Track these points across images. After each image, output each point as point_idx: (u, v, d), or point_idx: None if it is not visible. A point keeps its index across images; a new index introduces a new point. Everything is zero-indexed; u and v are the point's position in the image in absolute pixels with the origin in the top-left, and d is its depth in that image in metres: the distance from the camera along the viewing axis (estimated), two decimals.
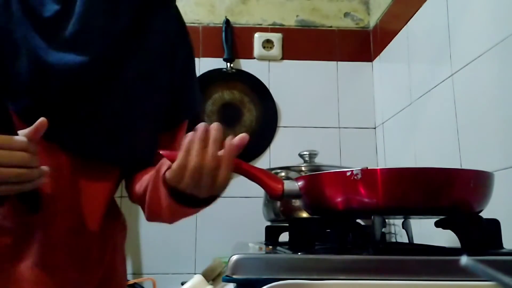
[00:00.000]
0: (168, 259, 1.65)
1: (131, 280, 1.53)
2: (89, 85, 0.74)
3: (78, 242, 0.75)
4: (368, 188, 0.61)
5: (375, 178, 0.61)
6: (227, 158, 0.63)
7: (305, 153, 1.24)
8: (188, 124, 0.89)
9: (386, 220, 1.04)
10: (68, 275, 0.74)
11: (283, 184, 0.69)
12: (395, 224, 1.42)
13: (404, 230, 0.79)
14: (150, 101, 0.82)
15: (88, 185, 0.77)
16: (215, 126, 0.65)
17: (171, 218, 0.76)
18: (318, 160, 1.25)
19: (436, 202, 0.62)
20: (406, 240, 0.80)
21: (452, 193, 0.62)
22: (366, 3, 1.90)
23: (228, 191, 0.68)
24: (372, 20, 1.86)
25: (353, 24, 1.89)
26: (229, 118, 1.78)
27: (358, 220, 0.71)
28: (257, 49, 1.83)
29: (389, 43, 1.66)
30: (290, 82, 1.82)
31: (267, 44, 1.83)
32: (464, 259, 0.32)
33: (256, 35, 1.84)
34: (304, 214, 0.97)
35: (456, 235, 0.65)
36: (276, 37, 1.84)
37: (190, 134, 0.64)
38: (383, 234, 0.74)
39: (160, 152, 0.67)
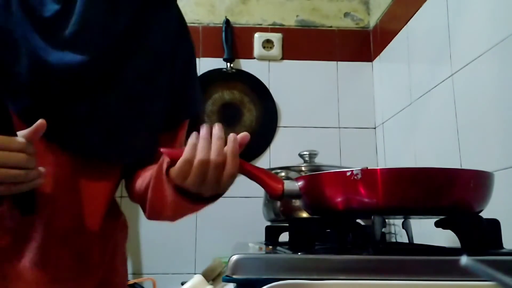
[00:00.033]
0: (168, 259, 1.65)
1: (131, 280, 1.53)
2: (89, 84, 0.74)
3: (78, 242, 0.75)
4: (368, 188, 0.61)
5: (375, 178, 0.61)
6: (232, 153, 0.64)
7: (305, 153, 1.24)
8: (188, 124, 0.89)
9: (386, 220, 1.04)
10: (68, 275, 0.74)
11: (283, 184, 0.69)
12: (395, 224, 1.42)
13: (404, 230, 0.79)
14: (150, 101, 0.82)
15: (88, 185, 0.77)
16: (217, 126, 0.66)
17: (173, 215, 0.76)
18: (318, 160, 1.25)
19: (436, 202, 0.62)
20: (406, 240, 0.80)
21: (452, 193, 0.62)
22: (366, 3, 1.90)
23: (228, 191, 0.68)
24: (372, 20, 1.86)
25: (353, 24, 1.89)
26: (229, 118, 1.78)
27: (358, 220, 0.71)
28: (257, 49, 1.83)
29: (389, 43, 1.66)
30: (290, 82, 1.82)
31: (267, 44, 1.83)
32: (464, 259, 0.32)
33: (256, 35, 1.84)
34: (304, 214, 0.97)
35: (456, 235, 0.65)
36: (276, 37, 1.84)
37: (194, 133, 0.65)
38: (383, 234, 0.74)
39: (161, 150, 0.67)
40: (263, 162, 1.74)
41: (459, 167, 1.09)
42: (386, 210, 0.62)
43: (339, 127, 1.80)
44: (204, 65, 1.78)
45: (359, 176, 0.61)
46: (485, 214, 0.66)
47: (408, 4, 1.50)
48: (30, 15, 0.73)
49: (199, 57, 1.75)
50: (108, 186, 0.79)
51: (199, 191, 0.66)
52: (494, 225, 0.67)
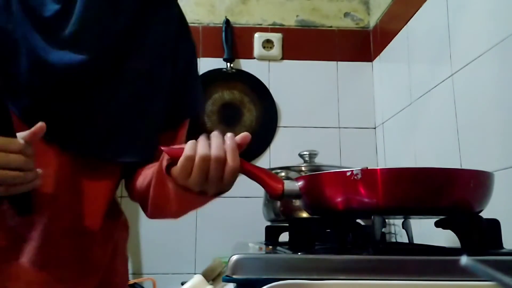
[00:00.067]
0: (168, 259, 1.65)
1: (131, 280, 1.53)
2: (89, 84, 0.74)
3: (77, 242, 0.75)
4: (368, 188, 0.61)
5: (375, 178, 0.61)
6: (232, 149, 0.64)
7: (305, 153, 1.24)
8: (189, 124, 0.89)
9: (386, 220, 1.04)
10: (68, 275, 0.74)
11: (283, 184, 0.69)
12: (395, 224, 1.42)
13: (404, 230, 0.79)
14: (151, 100, 0.82)
15: (88, 185, 0.77)
16: (215, 133, 0.67)
17: (177, 211, 0.75)
18: (318, 160, 1.25)
19: (436, 202, 0.62)
20: (406, 240, 0.80)
21: (452, 193, 0.62)
22: (366, 3, 1.90)
23: (228, 191, 0.68)
24: (372, 20, 1.86)
25: (353, 24, 1.89)
26: (229, 118, 1.78)
27: (358, 220, 0.71)
28: (257, 49, 1.83)
29: (389, 43, 1.66)
30: (290, 82, 1.82)
31: (267, 44, 1.83)
32: (464, 259, 0.32)
33: (256, 35, 1.84)
34: (304, 214, 0.97)
35: (456, 235, 0.65)
36: (276, 37, 1.84)
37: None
38: (383, 234, 0.74)
39: (161, 148, 0.67)
40: (263, 162, 1.73)
41: (459, 167, 1.09)
42: (386, 210, 0.62)
43: (339, 127, 1.80)
44: (204, 65, 1.78)
45: (359, 176, 0.61)
46: (485, 214, 0.66)
47: (408, 4, 1.50)
48: (30, 15, 0.73)
49: (199, 57, 1.74)
50: (108, 186, 0.79)
51: (202, 189, 0.66)
52: (494, 225, 0.67)
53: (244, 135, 0.67)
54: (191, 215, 1.66)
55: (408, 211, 0.65)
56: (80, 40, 0.74)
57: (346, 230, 0.68)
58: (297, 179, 0.71)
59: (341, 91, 1.83)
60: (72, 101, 0.74)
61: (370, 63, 1.85)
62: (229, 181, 0.65)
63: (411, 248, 0.76)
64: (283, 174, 1.19)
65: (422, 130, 1.37)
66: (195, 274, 1.47)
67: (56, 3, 0.74)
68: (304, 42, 1.85)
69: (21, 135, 0.62)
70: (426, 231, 0.88)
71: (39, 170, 0.64)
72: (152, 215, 0.79)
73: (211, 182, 0.65)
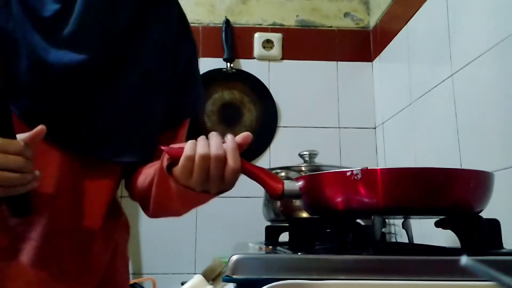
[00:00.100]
0: (168, 259, 1.65)
1: (131, 280, 1.53)
2: (89, 84, 0.74)
3: (77, 242, 0.75)
4: (368, 188, 0.61)
5: (375, 178, 0.61)
6: (232, 148, 0.64)
7: (305, 153, 1.24)
8: (189, 124, 0.89)
9: (386, 220, 1.04)
10: (68, 275, 0.74)
11: (283, 184, 0.69)
12: (395, 224, 1.42)
13: (404, 230, 0.79)
14: (151, 100, 0.82)
15: (88, 185, 0.77)
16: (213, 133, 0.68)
17: (180, 209, 0.76)
18: (318, 160, 1.25)
19: (436, 202, 0.62)
20: (406, 240, 0.80)
21: (452, 193, 0.62)
22: (366, 3, 1.90)
23: (229, 190, 0.69)
24: (372, 20, 1.86)
25: (353, 24, 1.89)
26: (229, 118, 1.78)
27: (358, 220, 0.71)
28: (257, 49, 1.83)
29: (389, 43, 1.66)
30: (290, 82, 1.82)
31: (267, 44, 1.83)
32: (464, 259, 0.32)
33: (256, 35, 1.84)
34: (304, 214, 0.97)
35: (456, 235, 0.65)
36: (276, 37, 1.84)
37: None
38: (383, 234, 0.74)
39: (161, 148, 0.68)
40: (263, 162, 1.73)
41: (459, 167, 1.09)
42: (386, 210, 0.62)
43: (339, 127, 1.80)
44: (204, 65, 1.78)
45: (359, 176, 0.61)
46: (485, 214, 0.66)
47: (408, 4, 1.50)
48: (30, 15, 0.73)
49: (199, 57, 1.75)
50: (109, 185, 0.79)
51: (204, 189, 0.66)
52: (494, 225, 0.67)
53: (245, 135, 0.67)
54: (191, 215, 1.67)
55: (408, 211, 0.65)
56: (80, 39, 0.74)
57: (346, 230, 0.68)
58: (297, 179, 0.71)
59: (341, 91, 1.83)
60: (72, 101, 0.74)
61: (370, 63, 1.85)
62: (231, 181, 0.66)
63: (411, 248, 0.76)
64: (283, 174, 1.19)
65: (422, 130, 1.37)
66: (195, 274, 1.47)
67: (56, 3, 0.74)
68: (304, 42, 1.85)
69: (20, 137, 0.63)
70: (426, 231, 0.88)
71: (37, 172, 0.64)
72: (154, 213, 0.79)
73: (213, 182, 0.65)
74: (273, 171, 1.19)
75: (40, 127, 0.63)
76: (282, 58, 1.84)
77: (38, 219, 0.71)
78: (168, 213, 0.78)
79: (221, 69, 1.80)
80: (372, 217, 0.61)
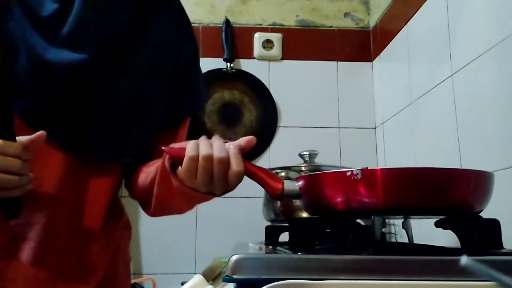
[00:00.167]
0: (168, 259, 1.65)
1: (131, 280, 1.53)
2: (88, 83, 0.74)
3: (77, 242, 0.75)
4: (368, 188, 0.61)
5: (375, 178, 0.61)
6: (234, 152, 0.65)
7: (305, 153, 1.24)
8: (189, 123, 0.90)
9: (386, 220, 1.04)
10: (67, 275, 0.74)
11: (283, 183, 0.69)
12: (395, 224, 1.42)
13: (404, 230, 0.79)
14: (151, 99, 0.82)
15: (88, 184, 0.77)
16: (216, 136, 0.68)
17: (183, 207, 0.76)
18: (318, 160, 1.24)
19: (436, 202, 0.62)
20: (406, 240, 0.80)
21: (452, 193, 0.62)
22: (366, 3, 1.90)
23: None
24: (372, 20, 1.86)
25: (353, 24, 1.89)
26: (229, 118, 1.77)
27: (358, 220, 0.71)
28: (257, 49, 1.83)
29: (389, 43, 1.66)
30: (290, 82, 1.82)
31: (267, 44, 1.83)
32: (464, 259, 0.32)
33: (256, 35, 1.84)
34: (304, 214, 0.97)
35: (456, 235, 0.65)
36: (276, 37, 1.84)
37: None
38: (383, 234, 0.74)
39: (162, 148, 0.68)
40: (263, 162, 1.73)
41: (459, 167, 1.09)
42: (386, 210, 0.62)
43: (339, 127, 1.80)
44: (204, 65, 1.75)
45: (359, 176, 0.61)
46: (485, 214, 0.66)
47: (408, 4, 1.50)
48: (29, 15, 0.73)
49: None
50: (109, 185, 0.79)
51: (209, 190, 0.67)
52: (494, 225, 0.67)
53: (249, 139, 0.67)
54: (191, 215, 1.67)
55: (408, 211, 0.65)
56: (79, 39, 0.74)
57: (346, 230, 0.68)
58: (297, 179, 0.71)
59: (341, 91, 1.83)
60: (72, 101, 0.74)
61: (370, 63, 1.85)
62: (234, 184, 0.66)
63: (411, 248, 0.76)
64: (283, 174, 1.19)
65: (422, 130, 1.37)
66: (195, 274, 1.47)
67: (55, 3, 0.74)
68: (304, 42, 1.85)
69: (20, 139, 0.63)
70: (426, 231, 0.88)
71: (31, 175, 0.64)
72: (155, 211, 0.78)
73: (216, 184, 0.65)
74: (273, 171, 1.19)
75: (41, 132, 0.64)
76: (282, 58, 1.84)
77: (37, 219, 0.71)
78: (170, 212, 0.78)
79: (221, 69, 1.80)
80: (372, 217, 0.61)
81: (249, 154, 1.85)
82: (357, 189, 0.61)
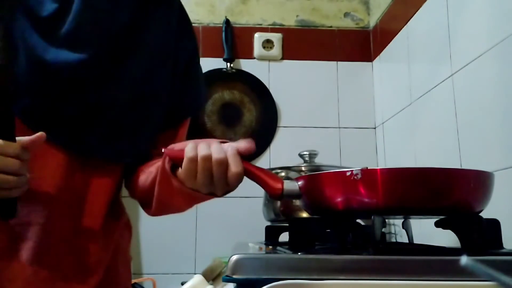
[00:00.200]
0: (168, 259, 1.65)
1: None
2: (88, 83, 0.74)
3: (77, 242, 0.75)
4: (368, 188, 0.61)
5: (375, 178, 0.61)
6: (232, 154, 0.65)
7: (305, 153, 1.24)
8: (189, 123, 0.90)
9: (386, 220, 1.04)
10: (66, 275, 0.74)
11: (283, 183, 0.69)
12: (395, 224, 1.42)
13: (404, 230, 0.79)
14: (151, 99, 0.82)
15: (88, 184, 0.77)
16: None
17: (183, 206, 0.76)
18: (318, 160, 1.24)
19: (436, 202, 0.62)
20: (406, 240, 0.80)
21: (452, 193, 0.62)
22: (366, 3, 1.90)
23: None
24: (372, 20, 1.86)
25: (353, 24, 1.89)
26: (229, 118, 1.77)
27: (358, 220, 0.71)
28: (257, 49, 1.83)
29: (389, 43, 1.66)
30: (290, 82, 1.82)
31: (267, 44, 1.83)
32: (464, 259, 0.32)
33: (256, 35, 1.84)
34: (304, 214, 0.97)
35: (456, 235, 0.65)
36: (276, 37, 1.83)
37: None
38: (383, 234, 0.74)
39: (163, 150, 0.68)
40: (263, 162, 1.73)
41: (459, 167, 1.09)
42: (386, 210, 0.62)
43: (339, 127, 1.80)
44: (204, 65, 1.74)
45: (359, 176, 0.61)
46: (485, 214, 0.66)
47: (408, 4, 1.50)
48: (28, 15, 0.73)
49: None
50: (109, 185, 0.79)
51: (210, 191, 0.67)
52: (494, 225, 0.67)
53: (248, 146, 0.67)
54: (191, 215, 1.67)
55: (408, 211, 0.65)
56: (78, 38, 0.74)
57: (346, 230, 0.68)
58: (297, 179, 0.71)
59: (341, 91, 1.83)
60: (71, 101, 0.74)
61: (370, 63, 1.85)
62: (234, 184, 0.66)
63: (411, 248, 0.76)
64: (283, 174, 1.19)
65: (422, 130, 1.37)
66: (195, 274, 1.47)
67: (54, 2, 0.74)
68: (304, 42, 1.85)
69: (20, 140, 0.63)
70: (426, 231, 0.88)
71: (28, 175, 0.64)
72: (156, 211, 0.79)
73: (217, 185, 0.66)
74: (273, 171, 1.19)
75: (41, 133, 0.64)
76: (282, 58, 1.84)
77: (37, 219, 0.71)
78: (171, 211, 0.79)
79: (221, 69, 1.80)
80: (372, 217, 0.61)
81: (249, 154, 1.85)
82: (357, 189, 0.61)
